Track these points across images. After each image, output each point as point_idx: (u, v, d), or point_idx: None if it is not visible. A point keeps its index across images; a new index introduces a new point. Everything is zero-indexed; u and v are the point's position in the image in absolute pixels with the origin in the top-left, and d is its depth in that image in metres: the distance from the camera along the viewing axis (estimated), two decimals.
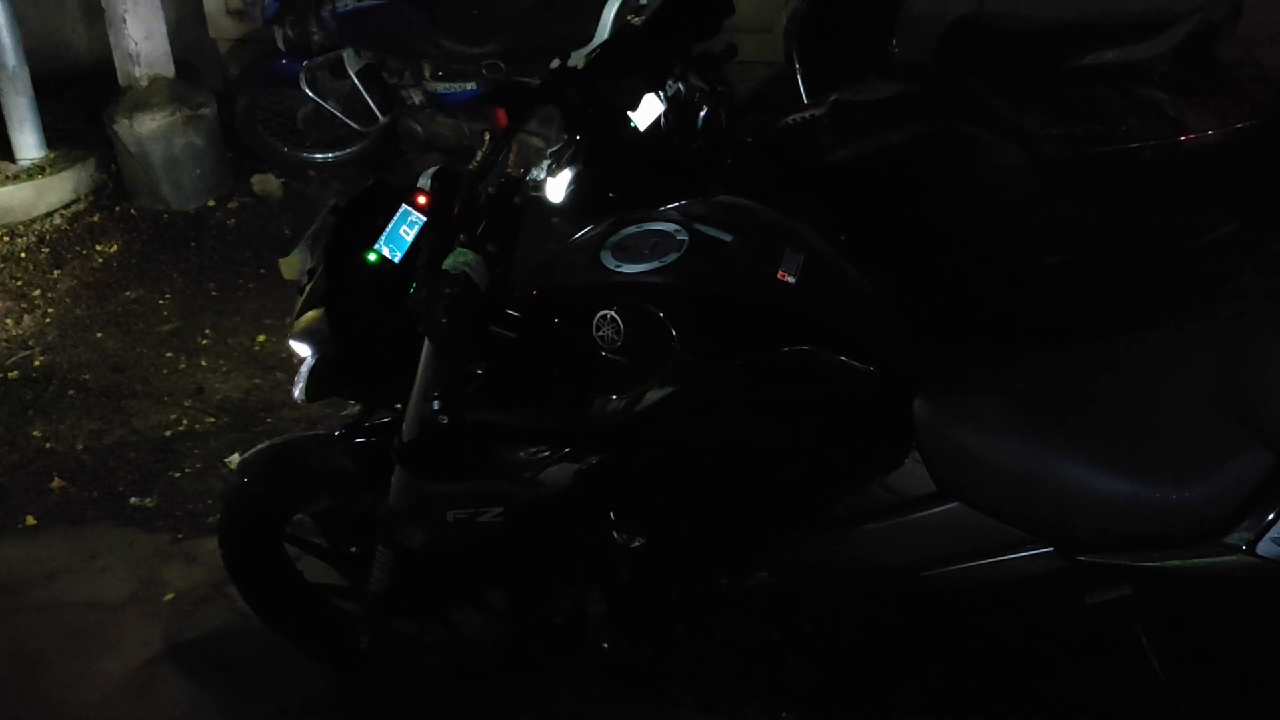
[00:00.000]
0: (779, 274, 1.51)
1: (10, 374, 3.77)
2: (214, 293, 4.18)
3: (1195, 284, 2.37)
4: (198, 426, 3.50)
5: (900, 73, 3.46)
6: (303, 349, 1.79)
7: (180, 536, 3.05)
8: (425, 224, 1.70)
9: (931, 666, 1.64)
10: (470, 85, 4.10)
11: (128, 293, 4.19)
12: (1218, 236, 2.39)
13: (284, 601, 2.34)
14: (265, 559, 2.27)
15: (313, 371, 1.71)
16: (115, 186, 4.79)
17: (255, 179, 4.77)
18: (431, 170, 1.87)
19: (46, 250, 4.47)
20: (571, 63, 1.80)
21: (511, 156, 1.78)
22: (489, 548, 1.83)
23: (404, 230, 1.70)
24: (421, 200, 1.73)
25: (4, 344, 3.94)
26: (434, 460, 1.74)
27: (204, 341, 3.90)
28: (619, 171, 1.81)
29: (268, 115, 4.85)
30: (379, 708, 2.42)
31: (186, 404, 3.60)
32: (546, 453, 1.64)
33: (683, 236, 1.57)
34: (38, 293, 4.22)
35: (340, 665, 2.36)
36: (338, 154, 4.91)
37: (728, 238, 1.57)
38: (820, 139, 2.47)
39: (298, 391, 1.74)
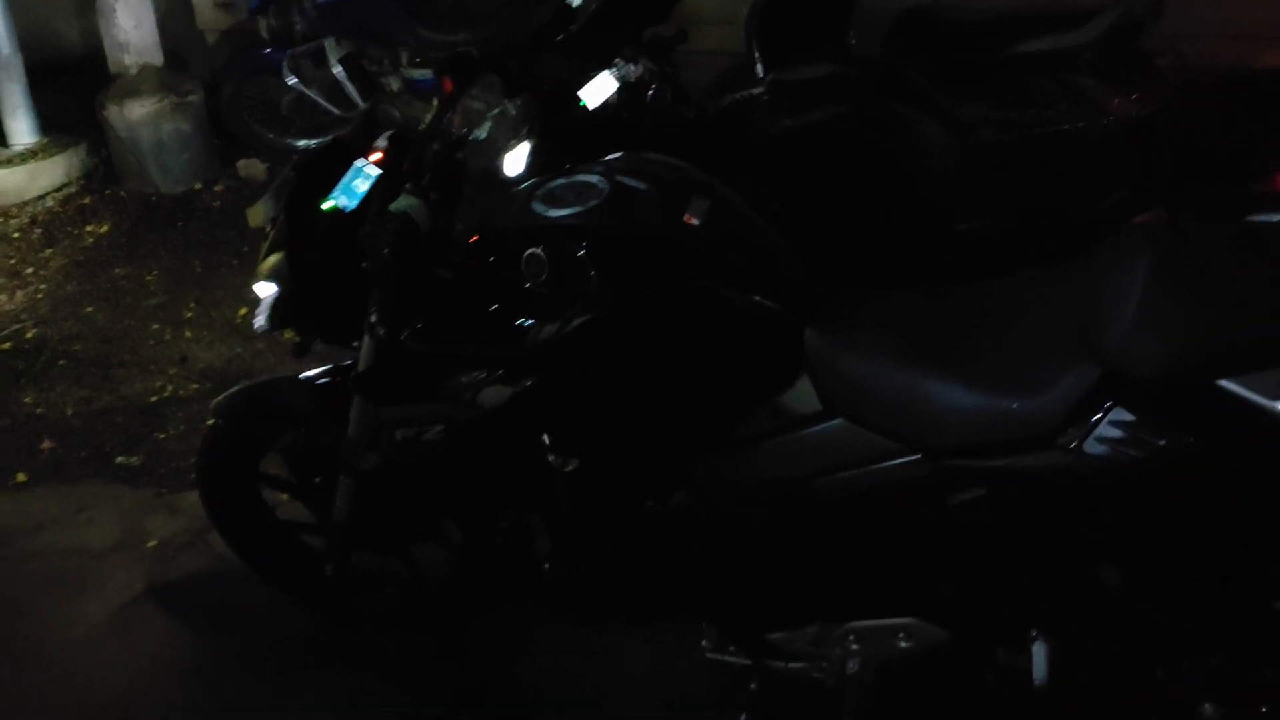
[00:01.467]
0: (685, 217, 1.70)
1: (3, 345, 3.95)
2: (199, 269, 4.36)
3: (1087, 242, 2.56)
4: (181, 393, 3.69)
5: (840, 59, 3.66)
6: (265, 289, 1.98)
7: (164, 491, 3.23)
8: (379, 177, 1.89)
9: (828, 574, 1.83)
10: None
11: (117, 270, 4.37)
12: (1111, 201, 2.59)
13: (259, 540, 2.52)
14: (240, 500, 2.45)
15: (274, 304, 1.90)
16: (105, 170, 4.98)
17: (240, 163, 4.96)
18: (388, 133, 2.06)
19: (39, 231, 4.65)
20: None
21: (457, 119, 1.97)
22: (436, 470, 2.02)
23: (357, 183, 1.89)
24: (376, 156, 1.92)
25: None
26: (386, 388, 1.94)
27: (189, 314, 4.08)
28: (569, 146, 2.01)
29: (252, 103, 5.04)
30: (344, 643, 2.61)
31: (171, 372, 3.78)
32: (483, 376, 1.83)
33: (604, 186, 1.76)
34: (30, 270, 4.40)
35: (311, 600, 2.54)
36: (319, 139, 5.09)
37: (642, 186, 1.76)
38: (757, 115, 2.66)
39: (260, 320, 1.93)
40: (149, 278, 4.32)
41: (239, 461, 2.37)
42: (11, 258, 4.49)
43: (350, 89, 4.67)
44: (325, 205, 1.85)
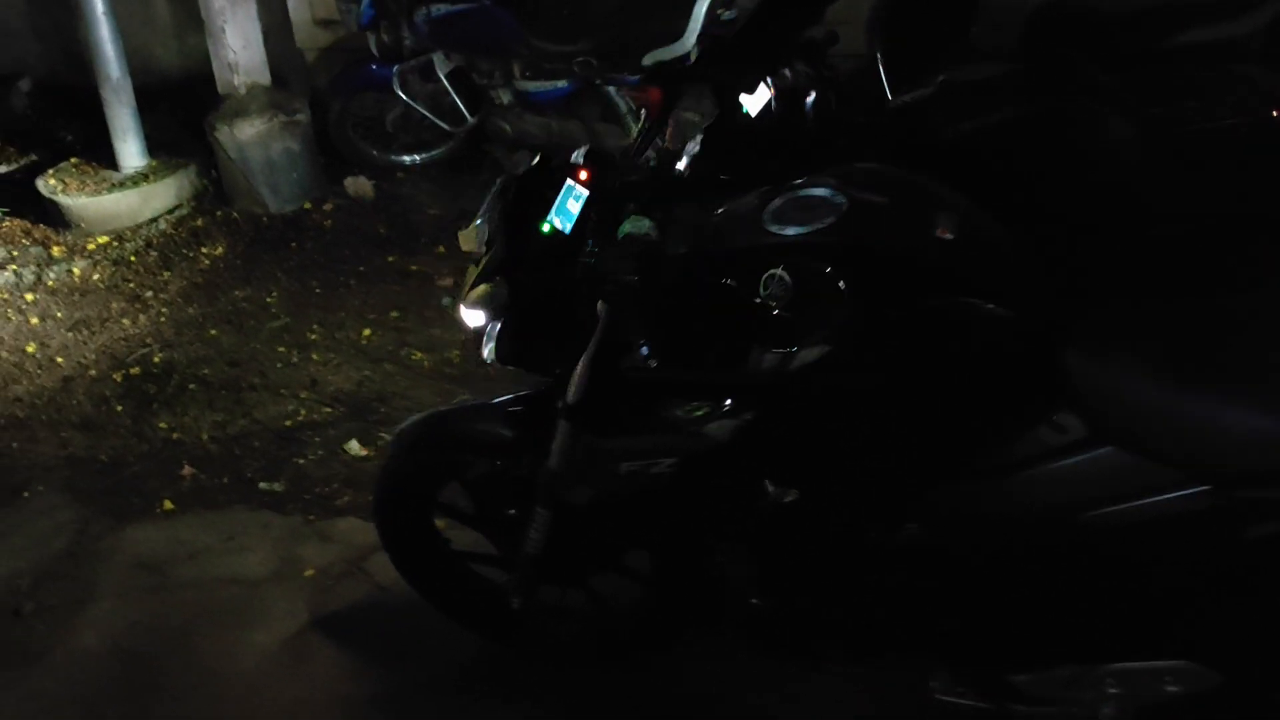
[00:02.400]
0: (939, 231, 1.62)
1: (132, 370, 3.94)
2: (318, 290, 4.34)
3: None
4: (315, 416, 3.66)
5: (1002, 55, 3.55)
6: (475, 317, 1.92)
7: (312, 518, 3.20)
8: (589, 197, 1.82)
9: (1086, 613, 1.73)
10: (561, 83, 4.23)
11: (236, 292, 4.36)
12: None
13: (434, 570, 2.47)
14: (416, 528, 2.40)
15: (502, 333, 1.84)
16: (215, 191, 4.98)
17: (348, 181, 4.94)
18: (583, 149, 1.99)
19: (155, 254, 4.66)
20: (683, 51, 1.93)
21: (669, 133, 1.90)
22: (653, 504, 1.95)
23: (570, 203, 1.82)
24: (583, 175, 1.85)
25: (122, 342, 4.12)
26: (600, 418, 1.87)
27: (313, 336, 4.06)
28: (731, 155, 1.93)
29: (357, 120, 5.02)
30: (525, 675, 2.54)
31: (303, 395, 3.76)
32: (708, 407, 1.75)
33: (839, 200, 1.68)
34: (150, 293, 4.41)
35: (489, 633, 2.49)
36: (425, 155, 5.07)
37: (884, 199, 1.67)
38: (929, 118, 2.56)
39: (487, 352, 1.86)
40: (269, 299, 4.30)
41: (420, 490, 2.32)
42: (130, 281, 4.50)
43: (459, 103, 4.65)
44: (543, 227, 1.79)
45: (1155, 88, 3.15)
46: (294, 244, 4.64)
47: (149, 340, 4.11)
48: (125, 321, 4.24)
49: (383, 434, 3.53)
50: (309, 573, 2.96)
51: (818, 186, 1.72)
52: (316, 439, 3.55)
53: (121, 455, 3.54)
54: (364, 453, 3.46)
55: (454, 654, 2.61)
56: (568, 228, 1.79)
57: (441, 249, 4.52)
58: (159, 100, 5.58)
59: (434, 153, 5.06)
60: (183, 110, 5.32)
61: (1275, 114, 3.05)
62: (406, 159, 5.07)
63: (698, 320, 1.73)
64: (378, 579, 2.90)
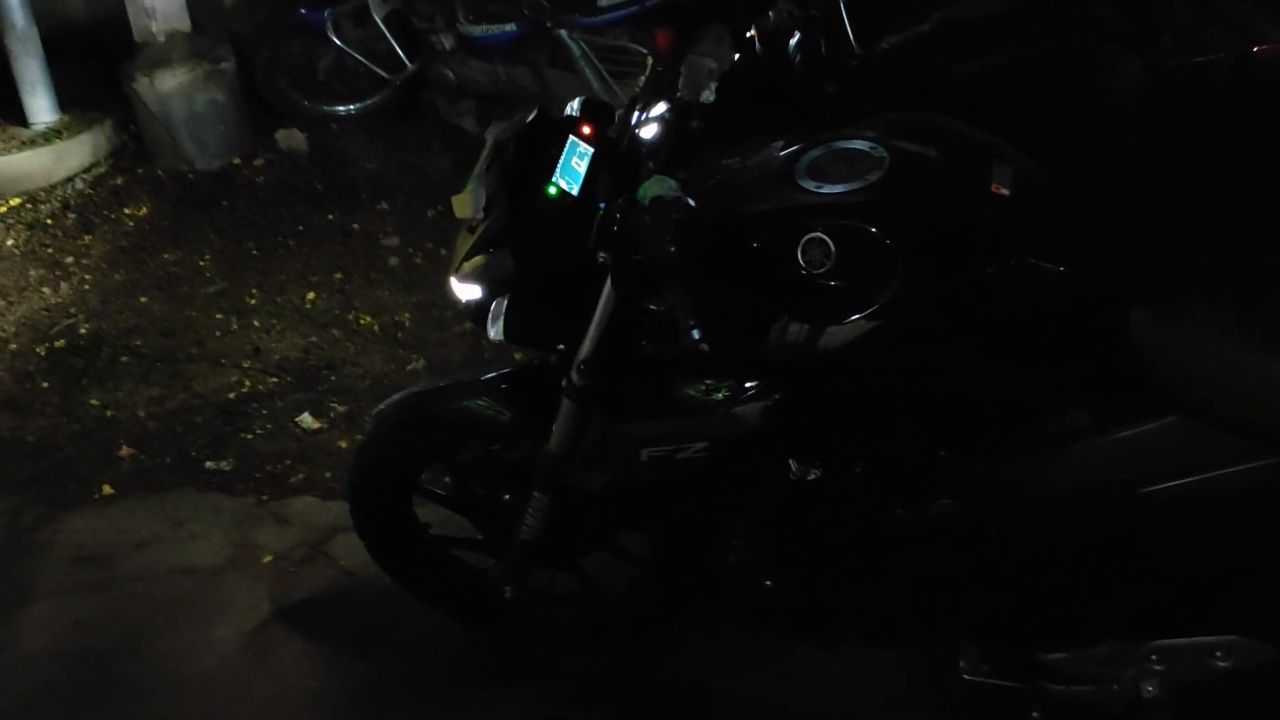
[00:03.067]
0: (992, 186, 1.48)
1: (56, 342, 3.67)
2: (254, 252, 4.08)
3: None
4: (260, 387, 3.44)
5: None
6: (469, 290, 1.74)
7: (265, 498, 3.00)
8: (594, 155, 1.64)
9: (1134, 589, 1.63)
10: (510, 26, 4.00)
11: (166, 255, 4.08)
12: None
13: (411, 556, 2.30)
14: (394, 513, 2.23)
15: (511, 310, 1.65)
16: (135, 148, 4.65)
17: (279, 134, 4.65)
18: (578, 101, 1.81)
19: (73, 216, 4.35)
20: None
21: (680, 80, 1.72)
22: (664, 489, 1.80)
23: (575, 162, 1.64)
24: (586, 130, 1.67)
25: (44, 313, 3.83)
26: (610, 399, 1.71)
27: (252, 301, 3.81)
28: (750, 103, 1.77)
29: (286, 68, 4.73)
30: (511, 663, 2.39)
31: (245, 365, 3.53)
32: (737, 386, 1.60)
33: (880, 153, 1.53)
34: (71, 259, 4.11)
35: (473, 621, 2.33)
36: (360, 105, 4.80)
37: (931, 152, 1.52)
38: (930, 59, 2.41)
39: (495, 331, 1.68)
40: (202, 263, 4.03)
41: (400, 473, 2.14)
42: (49, 246, 4.19)
43: (397, 48, 4.39)
44: (549, 189, 1.60)
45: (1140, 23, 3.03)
46: (225, 202, 4.36)
47: (73, 310, 3.83)
48: (45, 290, 3.94)
49: (334, 405, 3.33)
50: (267, 559, 2.77)
51: (854, 138, 1.57)
52: (264, 412, 3.33)
53: (51, 436, 3.29)
54: (316, 425, 3.26)
55: (433, 643, 2.46)
56: (575, 190, 1.61)
57: (384, 205, 4.28)
58: (65, 50, 5.19)
59: (369, 102, 4.79)
60: (93, 61, 4.94)
61: (1255, 50, 2.95)
62: (340, 109, 4.80)
63: (723, 290, 1.57)
64: (343, 563, 2.72)
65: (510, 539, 2.05)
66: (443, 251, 3.96)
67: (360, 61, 4.50)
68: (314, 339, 3.62)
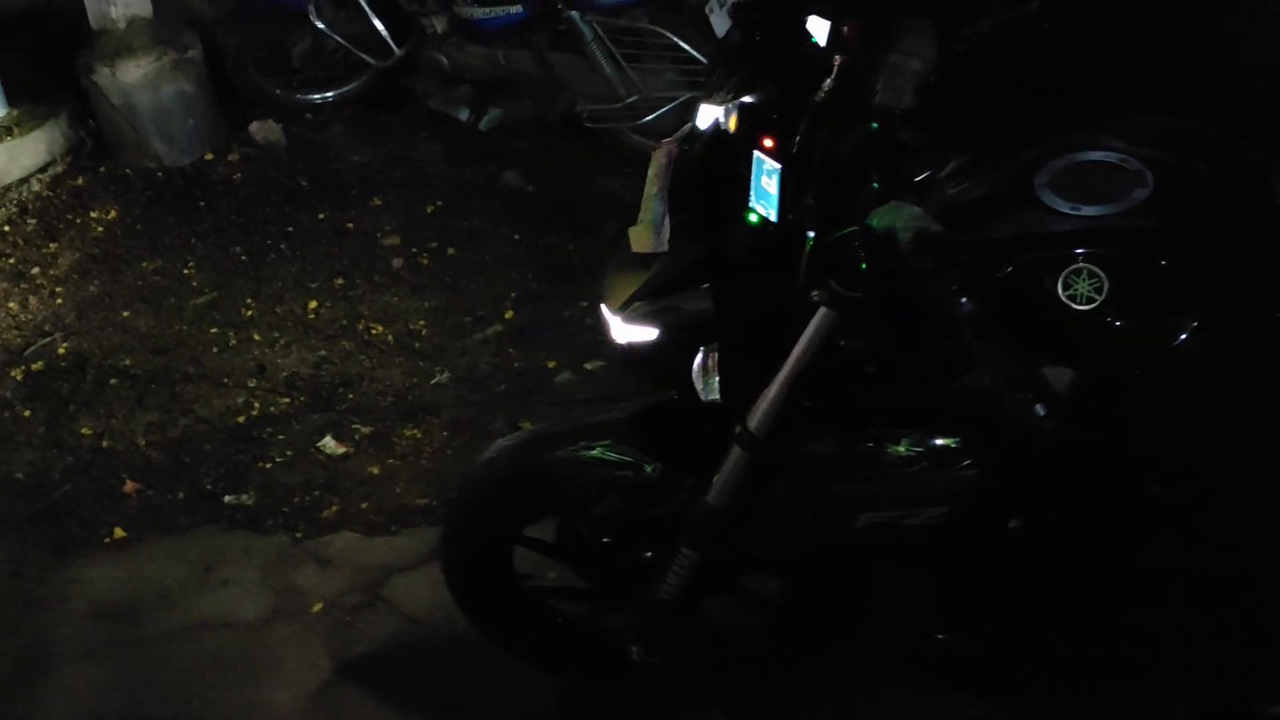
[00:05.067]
0: None
1: (34, 365, 3.34)
2: (243, 257, 3.76)
3: None
4: (272, 409, 3.15)
5: None
6: (644, 333, 1.51)
7: (300, 535, 2.74)
8: (782, 172, 1.42)
9: None
10: (516, 8, 3.72)
11: (144, 263, 3.75)
12: None
13: (508, 610, 2.07)
14: (493, 567, 2.00)
15: (726, 364, 1.42)
16: (95, 144, 4.28)
17: (254, 126, 4.32)
18: (729, 106, 1.59)
19: (33, 221, 3.97)
20: None
21: (880, 83, 1.49)
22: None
23: (765, 181, 1.42)
24: (769, 143, 1.45)
25: (15, 331, 3.49)
26: (801, 452, 1.50)
27: (249, 313, 3.51)
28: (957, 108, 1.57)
29: (258, 55, 4.39)
30: (609, 714, 2.19)
31: (251, 384, 3.24)
32: (970, 439, 1.40)
33: (1135, 166, 1.34)
34: (37, 270, 3.75)
35: (585, 677, 2.11)
36: (337, 93, 4.48)
37: (1199, 164, 1.34)
38: (1045, 43, 2.21)
39: (707, 390, 1.44)
40: (186, 271, 3.71)
41: (508, 529, 1.91)
42: (10, 256, 3.82)
43: (383, 32, 4.10)
44: (750, 216, 1.38)
45: None
46: (202, 203, 4.03)
47: (48, 328, 3.49)
48: (13, 306, 3.59)
49: (357, 425, 3.07)
50: (317, 607, 2.51)
51: (1096, 148, 1.37)
52: (280, 436, 3.05)
53: (43, 472, 2.98)
54: (341, 450, 3.00)
55: (521, 700, 2.23)
56: (773, 214, 1.39)
57: (377, 201, 3.99)
58: (9, 39, 4.77)
59: (347, 89, 4.47)
60: (41, 50, 4.53)
61: None
62: (317, 97, 4.47)
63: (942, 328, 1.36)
64: (404, 609, 2.48)
65: (639, 595, 1.83)
66: (450, 251, 3.70)
67: (342, 46, 4.18)
68: (323, 352, 3.34)
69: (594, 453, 1.77)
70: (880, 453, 1.45)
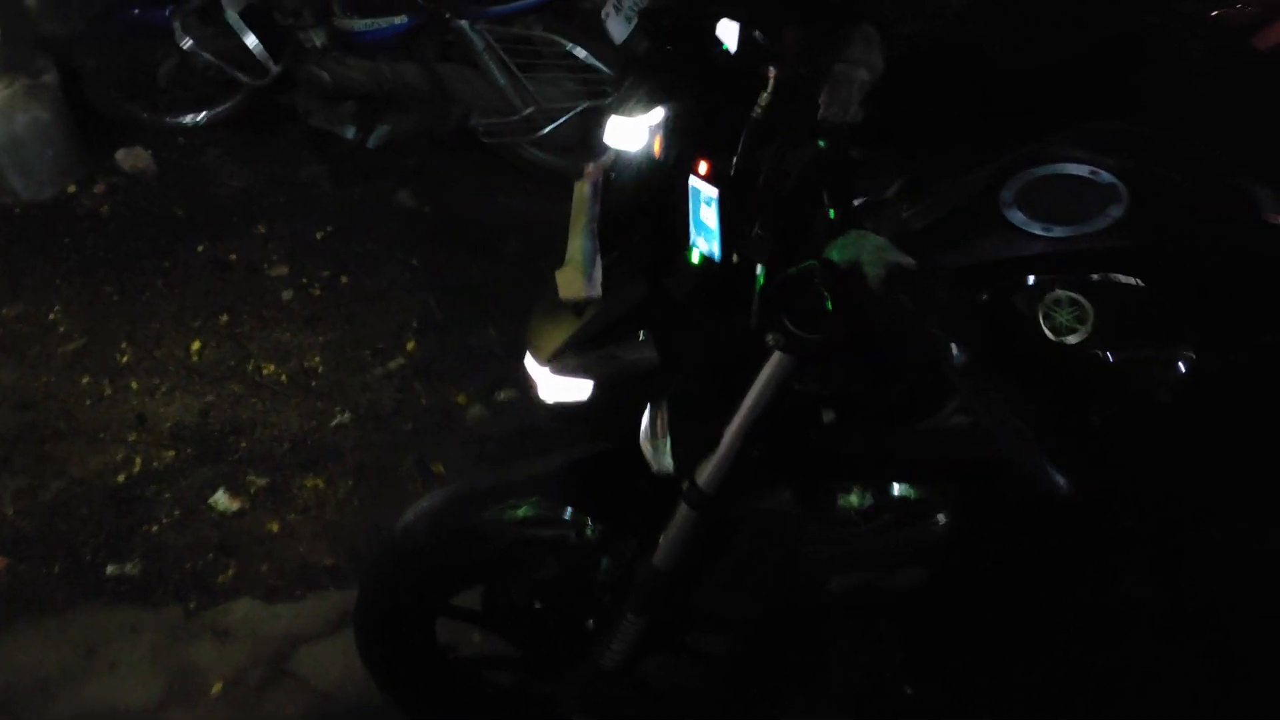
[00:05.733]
0: (1266, 215, 1.18)
1: None
2: (115, 297, 3.47)
3: None
4: (155, 464, 2.89)
5: None
6: (577, 388, 1.33)
7: (194, 606, 2.50)
8: (720, 199, 1.26)
9: None
10: (400, 19, 3.50)
11: (3, 309, 3.43)
12: None
13: (432, 685, 1.87)
14: (413, 640, 1.80)
15: (680, 428, 1.24)
16: None
17: (120, 154, 4.01)
18: (653, 121, 1.43)
19: None
20: None
21: (823, 98, 1.34)
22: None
23: (704, 213, 1.26)
24: (704, 168, 1.28)
25: None
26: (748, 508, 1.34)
27: (124, 359, 3.23)
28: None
29: (120, 76, 4.08)
30: None
31: (131, 438, 2.97)
32: (949, 492, 1.25)
33: (1106, 179, 1.21)
34: None
35: None
36: (210, 114, 4.19)
37: (1175, 175, 1.22)
38: (978, 49, 2.09)
39: (663, 463, 1.26)
40: (52, 316, 3.40)
41: (430, 599, 1.72)
42: None
43: (257, 49, 3.84)
44: (691, 256, 1.21)
45: None
46: (67, 239, 3.71)
47: None
48: None
49: (252, 477, 2.83)
50: (216, 688, 2.29)
51: (1060, 160, 1.24)
52: (166, 495, 2.80)
53: None
54: (235, 505, 2.76)
55: None
56: (714, 250, 1.23)
57: (261, 228, 3.73)
58: None
59: (220, 110, 4.19)
60: None
61: None
62: (188, 120, 4.18)
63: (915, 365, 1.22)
64: (314, 684, 2.27)
65: (578, 662, 1.66)
66: (344, 280, 3.47)
67: (213, 64, 3.90)
68: (210, 398, 3.08)
69: (523, 512, 1.59)
70: (847, 508, 1.30)
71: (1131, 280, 1.15)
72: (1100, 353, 1.14)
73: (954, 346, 1.00)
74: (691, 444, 1.25)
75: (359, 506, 2.72)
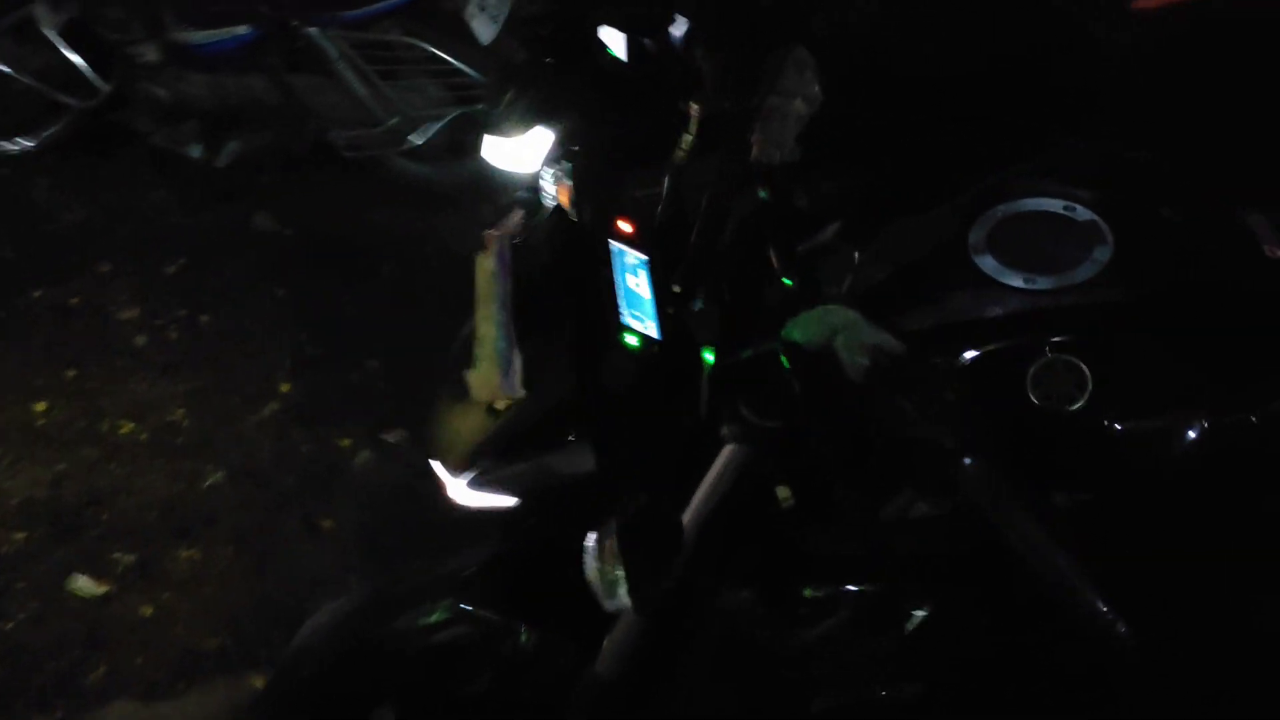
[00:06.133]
0: (1268, 249, 1.05)
1: None
2: None
3: None
4: (4, 548, 2.58)
5: None
6: (498, 500, 1.13)
7: (60, 716, 2.21)
8: (651, 265, 1.08)
9: None
10: (242, 29, 3.20)
11: None
12: None
13: None
14: None
15: (630, 549, 1.03)
16: None
17: None
18: (540, 136, 1.24)
19: None
20: None
21: (756, 136, 1.15)
22: None
23: (632, 283, 1.06)
24: (627, 228, 1.09)
25: None
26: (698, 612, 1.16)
27: None
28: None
29: None
30: None
31: None
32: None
33: (1084, 215, 1.06)
34: None
35: None
36: (35, 141, 3.80)
37: (1163, 209, 1.08)
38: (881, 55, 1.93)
39: (617, 593, 1.05)
40: None
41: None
42: None
43: (84, 67, 3.49)
44: (626, 337, 1.02)
45: None
46: None
47: None
48: None
49: (116, 554, 2.55)
50: None
51: (1032, 195, 1.09)
52: (19, 584, 2.50)
53: None
54: (100, 589, 2.48)
55: None
56: (651, 328, 1.04)
57: (105, 267, 3.40)
58: None
59: (46, 135, 3.80)
60: None
61: None
62: (10, 148, 3.78)
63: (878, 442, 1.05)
64: None
65: None
66: (204, 319, 3.18)
67: (32, 86, 3.53)
68: (62, 466, 2.77)
69: (439, 618, 1.38)
70: (815, 609, 1.13)
71: (1132, 336, 1.00)
72: (1105, 422, 0.99)
73: (965, 454, 0.83)
74: (650, 578, 1.06)
75: (242, 577, 2.47)
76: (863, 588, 1.10)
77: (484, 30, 3.05)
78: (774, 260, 1.04)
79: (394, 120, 3.28)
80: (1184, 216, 1.08)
